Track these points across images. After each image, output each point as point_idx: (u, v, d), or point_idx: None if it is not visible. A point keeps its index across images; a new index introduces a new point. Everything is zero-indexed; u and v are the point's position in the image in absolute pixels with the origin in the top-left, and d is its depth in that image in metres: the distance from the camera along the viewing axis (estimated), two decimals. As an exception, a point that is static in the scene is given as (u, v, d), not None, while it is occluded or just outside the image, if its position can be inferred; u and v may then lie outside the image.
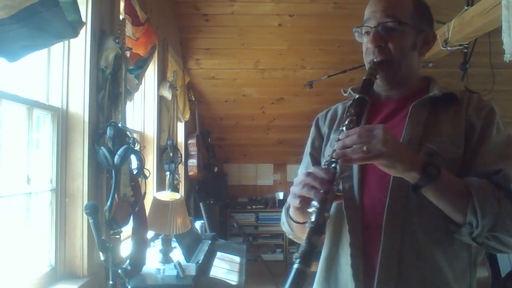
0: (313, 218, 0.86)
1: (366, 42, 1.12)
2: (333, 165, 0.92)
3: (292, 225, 1.14)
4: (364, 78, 1.07)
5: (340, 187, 1.01)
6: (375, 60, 1.09)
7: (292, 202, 0.97)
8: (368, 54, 1.12)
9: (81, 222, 1.85)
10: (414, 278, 0.99)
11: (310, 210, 0.88)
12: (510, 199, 0.94)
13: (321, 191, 0.89)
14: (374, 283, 0.98)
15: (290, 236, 1.24)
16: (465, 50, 3.34)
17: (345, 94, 1.28)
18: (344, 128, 0.97)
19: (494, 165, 0.98)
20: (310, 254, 0.82)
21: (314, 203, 0.88)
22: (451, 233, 0.98)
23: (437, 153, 1.01)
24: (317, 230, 0.85)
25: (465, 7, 2.96)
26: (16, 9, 1.17)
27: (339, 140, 0.94)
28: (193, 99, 4.82)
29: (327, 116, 1.26)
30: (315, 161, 1.21)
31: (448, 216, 0.97)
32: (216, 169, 5.56)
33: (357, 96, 1.04)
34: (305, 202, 0.92)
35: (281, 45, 4.56)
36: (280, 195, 5.85)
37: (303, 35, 4.44)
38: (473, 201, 0.91)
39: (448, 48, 3.24)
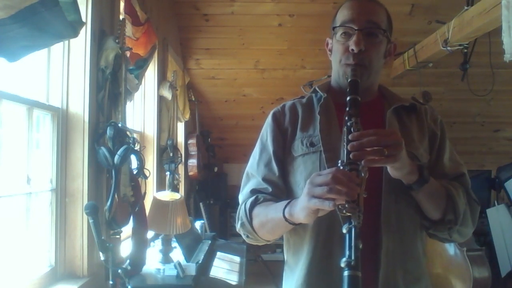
0: (355, 222, 0.85)
1: (344, 43, 1.13)
2: (353, 167, 0.91)
3: (280, 225, 1.07)
4: (350, 80, 1.08)
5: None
6: (353, 62, 1.11)
7: (319, 204, 0.90)
8: (346, 56, 1.13)
9: (81, 222, 1.85)
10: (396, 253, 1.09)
11: (347, 213, 0.86)
12: (468, 198, 1.13)
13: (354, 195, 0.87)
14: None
15: (250, 238, 1.19)
16: (465, 50, 3.34)
17: (306, 93, 1.30)
18: (352, 129, 0.96)
19: (458, 169, 1.18)
20: (358, 259, 0.83)
21: (347, 206, 0.86)
22: (424, 229, 1.13)
23: (417, 157, 1.11)
24: (358, 235, 0.85)
25: (465, 7, 2.96)
26: (16, 9, 1.17)
27: (349, 140, 0.93)
28: (193, 99, 4.82)
29: (285, 113, 1.25)
30: (279, 161, 1.20)
31: (423, 215, 1.11)
32: (216, 169, 5.55)
33: (348, 97, 1.04)
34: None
35: (281, 45, 4.56)
36: (280, 195, 5.83)
37: (303, 35, 4.44)
38: (453, 203, 1.07)
39: (448, 48, 3.25)
